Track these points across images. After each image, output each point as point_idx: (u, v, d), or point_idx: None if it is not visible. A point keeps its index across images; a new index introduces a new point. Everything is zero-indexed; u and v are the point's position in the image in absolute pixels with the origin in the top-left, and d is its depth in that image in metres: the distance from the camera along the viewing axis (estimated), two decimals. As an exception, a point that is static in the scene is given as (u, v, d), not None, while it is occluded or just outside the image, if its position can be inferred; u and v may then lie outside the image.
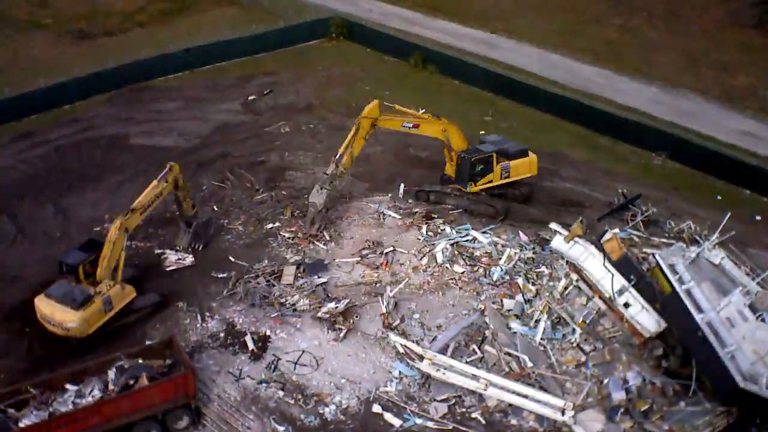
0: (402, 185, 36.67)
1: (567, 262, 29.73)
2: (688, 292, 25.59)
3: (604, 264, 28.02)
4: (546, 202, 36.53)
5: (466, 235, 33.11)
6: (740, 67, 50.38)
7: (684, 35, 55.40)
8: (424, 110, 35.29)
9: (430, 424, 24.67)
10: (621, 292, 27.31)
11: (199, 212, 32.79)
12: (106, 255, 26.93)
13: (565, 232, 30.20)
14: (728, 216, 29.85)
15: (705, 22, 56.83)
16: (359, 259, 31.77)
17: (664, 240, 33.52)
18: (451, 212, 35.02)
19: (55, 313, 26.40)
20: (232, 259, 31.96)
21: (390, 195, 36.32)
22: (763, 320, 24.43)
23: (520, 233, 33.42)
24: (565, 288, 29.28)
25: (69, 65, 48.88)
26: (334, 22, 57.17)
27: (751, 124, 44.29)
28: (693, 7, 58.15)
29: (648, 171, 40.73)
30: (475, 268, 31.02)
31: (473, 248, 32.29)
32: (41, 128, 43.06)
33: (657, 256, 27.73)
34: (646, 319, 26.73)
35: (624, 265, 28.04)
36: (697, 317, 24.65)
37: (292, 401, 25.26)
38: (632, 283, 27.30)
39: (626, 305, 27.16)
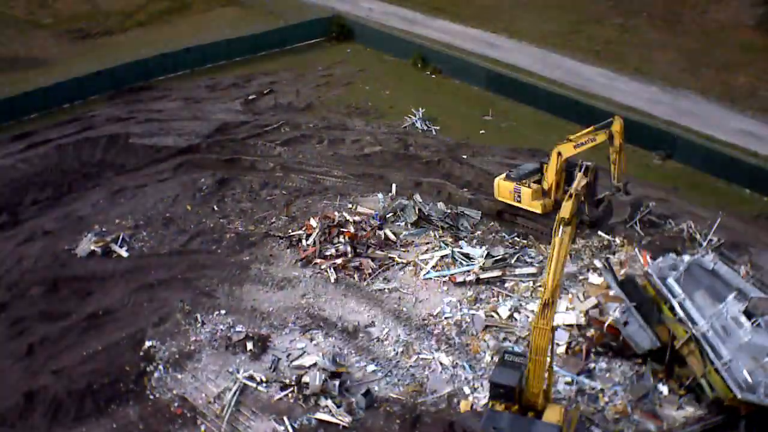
0: (394, 185, 36.70)
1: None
2: (681, 305, 25.52)
3: (612, 282, 27.76)
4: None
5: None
6: (740, 67, 50.27)
7: (684, 35, 55.29)
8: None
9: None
10: (623, 312, 26.96)
11: (629, 188, 33.27)
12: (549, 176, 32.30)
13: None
14: (719, 220, 29.87)
15: (705, 22, 56.74)
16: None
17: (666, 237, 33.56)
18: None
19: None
20: (232, 260, 32.04)
21: (390, 194, 36.31)
22: (758, 326, 24.29)
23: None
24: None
25: (69, 65, 48.91)
26: (334, 21, 57.17)
27: (751, 124, 44.21)
28: (693, 7, 58.06)
29: (648, 170, 40.69)
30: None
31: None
32: (41, 128, 43.09)
33: (649, 271, 27.58)
34: (642, 337, 26.22)
35: (628, 285, 27.80)
36: (692, 330, 24.60)
37: (292, 401, 25.25)
38: (634, 305, 26.92)
39: (625, 324, 26.88)
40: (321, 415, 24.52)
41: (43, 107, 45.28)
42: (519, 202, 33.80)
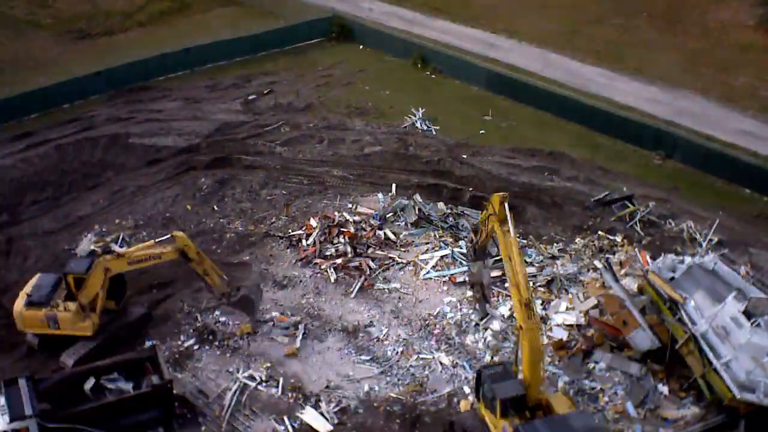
0: (394, 185, 36.67)
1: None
2: (681, 306, 25.48)
3: (612, 282, 27.76)
4: (546, 202, 36.49)
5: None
6: (740, 67, 50.33)
7: (684, 35, 55.35)
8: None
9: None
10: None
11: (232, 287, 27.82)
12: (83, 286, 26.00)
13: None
14: (718, 220, 29.63)
15: (705, 22, 56.82)
16: None
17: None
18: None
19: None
20: (234, 261, 32.00)
21: (390, 194, 36.30)
22: (758, 326, 24.29)
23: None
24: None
25: (69, 65, 48.91)
26: (334, 21, 57.17)
27: (751, 124, 44.24)
28: (693, 7, 58.14)
29: (648, 170, 40.73)
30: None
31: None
32: (41, 128, 43.06)
33: (648, 274, 27.56)
34: (642, 338, 26.19)
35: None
36: (691, 330, 24.60)
37: (292, 401, 25.27)
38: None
39: (624, 323, 26.88)
40: (307, 418, 24.51)
41: (43, 107, 45.27)
42: (59, 329, 26.33)
